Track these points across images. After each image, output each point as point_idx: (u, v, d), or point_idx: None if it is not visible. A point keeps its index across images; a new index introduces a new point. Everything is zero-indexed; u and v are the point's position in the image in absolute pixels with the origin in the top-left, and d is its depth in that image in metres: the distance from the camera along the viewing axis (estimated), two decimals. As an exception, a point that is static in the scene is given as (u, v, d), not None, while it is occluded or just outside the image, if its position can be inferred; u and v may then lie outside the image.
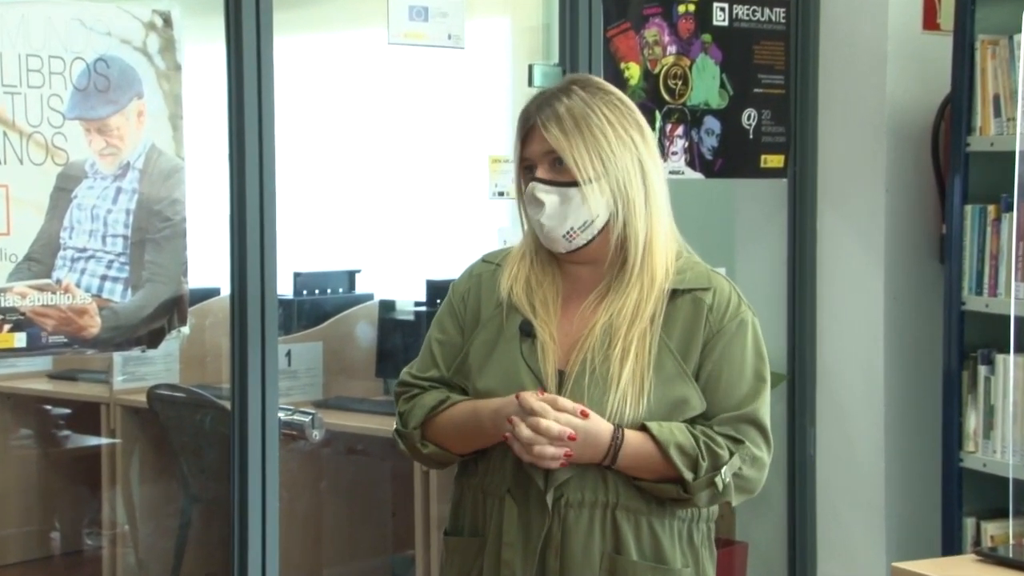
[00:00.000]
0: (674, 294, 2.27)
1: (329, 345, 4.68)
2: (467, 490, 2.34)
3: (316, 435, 3.10)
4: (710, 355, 2.26)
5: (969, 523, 3.66)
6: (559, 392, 2.23)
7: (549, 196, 2.24)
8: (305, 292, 4.82)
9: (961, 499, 3.66)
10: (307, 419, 3.10)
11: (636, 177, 2.25)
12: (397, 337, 4.67)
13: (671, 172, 3.65)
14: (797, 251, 4.06)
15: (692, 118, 3.74)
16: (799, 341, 4.05)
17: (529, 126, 2.28)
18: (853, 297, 3.98)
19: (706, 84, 3.76)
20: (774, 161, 3.94)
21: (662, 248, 2.28)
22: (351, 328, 4.79)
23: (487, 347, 2.31)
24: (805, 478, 4.07)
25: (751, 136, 3.87)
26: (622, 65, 3.58)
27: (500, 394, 2.25)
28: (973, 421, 3.64)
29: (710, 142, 3.78)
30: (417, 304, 4.63)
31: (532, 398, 2.18)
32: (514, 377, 2.25)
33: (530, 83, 3.48)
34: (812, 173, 4.03)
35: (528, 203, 2.28)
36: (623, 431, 2.20)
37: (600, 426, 2.20)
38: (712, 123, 3.78)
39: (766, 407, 2.28)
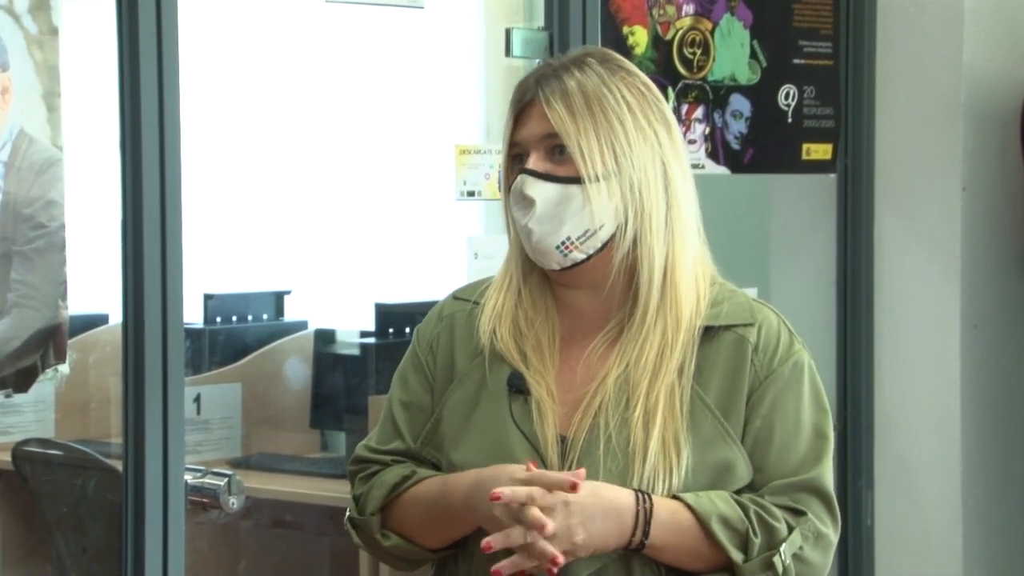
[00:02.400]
0: (707, 332, 2.26)
1: (250, 387, 4.66)
2: None
3: (233, 503, 3.09)
4: (758, 408, 2.24)
5: (1071, 615, 3.70)
6: (562, 465, 2.20)
7: (542, 193, 2.22)
8: (219, 320, 4.81)
9: (1060, 584, 3.70)
10: (222, 483, 3.09)
11: (657, 182, 2.25)
12: (337, 377, 4.66)
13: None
14: (849, 266, 4.08)
15: (715, 97, 3.75)
16: (852, 383, 4.07)
17: (526, 102, 2.26)
18: (921, 325, 4.00)
19: (733, 53, 3.78)
20: (819, 152, 3.96)
21: (688, 277, 2.26)
22: (278, 366, 4.78)
23: (465, 408, 2.28)
24: (861, 555, 4.09)
25: (790, 120, 3.89)
26: (625, 29, 3.59)
27: (482, 468, 2.21)
28: (1075, 484, 3.68)
29: (738, 127, 3.80)
30: (363, 335, 4.63)
31: (519, 473, 2.14)
32: (502, 446, 2.22)
33: (507, 52, 3.48)
34: (868, 167, 4.05)
35: (515, 202, 2.25)
36: (649, 496, 2.16)
37: (615, 492, 2.15)
38: (740, 103, 3.80)
39: (830, 472, 2.27)
